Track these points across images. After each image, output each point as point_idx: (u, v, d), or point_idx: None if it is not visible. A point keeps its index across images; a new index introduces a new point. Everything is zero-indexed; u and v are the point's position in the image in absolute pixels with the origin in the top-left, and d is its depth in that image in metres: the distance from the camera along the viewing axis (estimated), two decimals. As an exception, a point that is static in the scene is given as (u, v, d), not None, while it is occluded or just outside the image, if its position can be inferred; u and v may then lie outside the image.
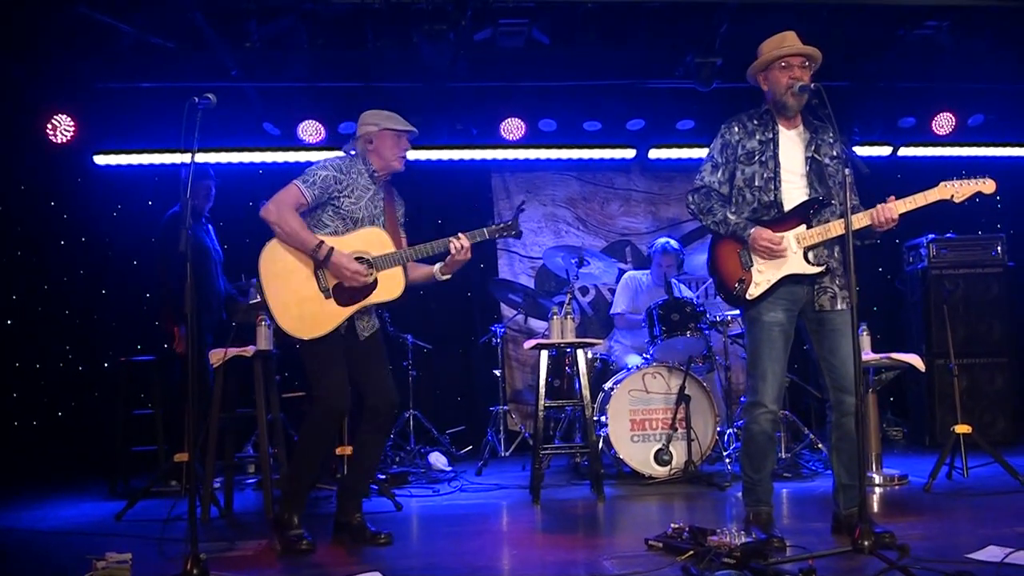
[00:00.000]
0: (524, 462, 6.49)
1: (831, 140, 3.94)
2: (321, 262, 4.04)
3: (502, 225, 4.34)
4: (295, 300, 4.05)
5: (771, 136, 3.91)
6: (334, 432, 4.22)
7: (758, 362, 3.85)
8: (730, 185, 3.98)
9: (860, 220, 3.76)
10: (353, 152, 4.32)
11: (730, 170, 3.98)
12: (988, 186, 3.83)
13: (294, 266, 4.07)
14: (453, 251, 4.21)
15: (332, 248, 4.03)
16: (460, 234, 4.24)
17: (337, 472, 5.39)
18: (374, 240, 4.19)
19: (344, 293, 4.10)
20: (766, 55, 3.90)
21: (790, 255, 3.82)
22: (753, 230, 3.81)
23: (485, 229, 4.31)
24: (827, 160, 3.91)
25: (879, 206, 3.77)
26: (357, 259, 4.08)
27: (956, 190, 3.81)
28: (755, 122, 3.97)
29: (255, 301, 4.17)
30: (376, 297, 4.15)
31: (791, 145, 3.92)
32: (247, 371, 4.99)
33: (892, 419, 7.75)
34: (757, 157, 3.90)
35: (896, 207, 3.76)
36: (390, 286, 4.17)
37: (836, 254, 3.90)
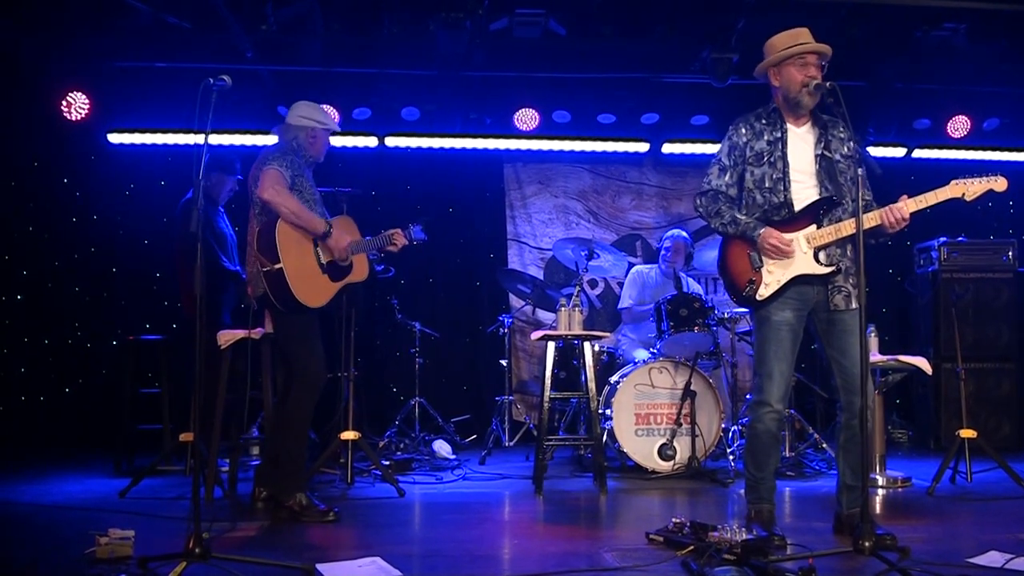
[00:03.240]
0: (528, 452, 6.50)
1: (842, 136, 3.90)
2: (321, 239, 4.41)
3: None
4: (304, 271, 4.35)
5: (779, 135, 3.88)
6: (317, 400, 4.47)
7: (765, 361, 3.84)
8: (739, 187, 3.96)
9: (870, 220, 3.72)
10: (292, 139, 4.56)
11: (739, 172, 3.95)
12: (1000, 184, 3.77)
13: (300, 240, 4.39)
14: (393, 249, 4.71)
15: (333, 228, 4.43)
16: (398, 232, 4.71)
17: (341, 456, 5.41)
18: (347, 227, 4.61)
19: (334, 270, 4.50)
20: (782, 51, 3.83)
21: (799, 255, 3.80)
22: (763, 230, 3.79)
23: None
24: (837, 156, 3.87)
25: (889, 206, 3.73)
26: None
27: (968, 188, 3.77)
28: (763, 122, 3.93)
29: (267, 269, 4.23)
30: (352, 277, 4.60)
31: (800, 143, 3.89)
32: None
33: (898, 421, 7.73)
34: (766, 158, 3.87)
35: (907, 207, 3.72)
36: (361, 269, 4.66)
37: (849, 253, 3.88)
